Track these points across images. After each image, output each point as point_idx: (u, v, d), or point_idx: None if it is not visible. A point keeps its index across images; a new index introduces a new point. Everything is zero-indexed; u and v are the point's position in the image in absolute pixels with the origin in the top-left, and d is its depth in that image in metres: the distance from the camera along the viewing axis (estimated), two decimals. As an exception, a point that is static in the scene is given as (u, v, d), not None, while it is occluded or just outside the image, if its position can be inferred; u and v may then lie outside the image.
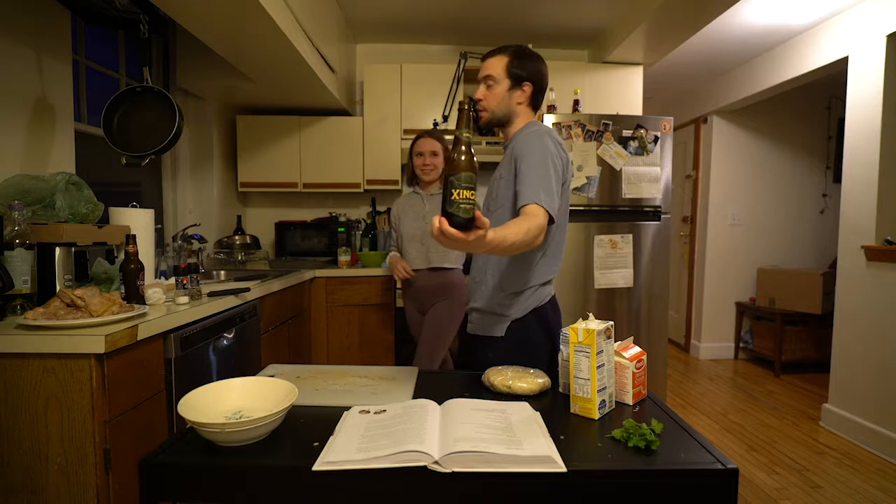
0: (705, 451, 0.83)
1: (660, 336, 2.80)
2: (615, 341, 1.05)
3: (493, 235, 1.02)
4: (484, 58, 1.41)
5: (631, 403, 1.04)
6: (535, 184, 1.23)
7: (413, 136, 3.18)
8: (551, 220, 1.22)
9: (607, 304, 2.70)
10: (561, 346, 1.06)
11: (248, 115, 3.23)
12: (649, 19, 2.58)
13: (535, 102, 1.41)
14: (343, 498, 0.77)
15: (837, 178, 3.77)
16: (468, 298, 1.48)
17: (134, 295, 1.46)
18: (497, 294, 1.37)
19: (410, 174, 2.34)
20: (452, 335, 2.31)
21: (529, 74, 1.36)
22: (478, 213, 0.93)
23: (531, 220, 1.15)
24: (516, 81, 1.36)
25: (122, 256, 1.69)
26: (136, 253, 1.48)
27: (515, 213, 1.28)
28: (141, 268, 1.49)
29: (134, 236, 1.49)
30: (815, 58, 3.09)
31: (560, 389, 1.10)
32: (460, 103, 1.01)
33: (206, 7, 1.72)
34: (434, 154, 2.25)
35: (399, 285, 2.35)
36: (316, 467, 0.76)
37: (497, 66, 1.36)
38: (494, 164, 3.31)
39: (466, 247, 0.97)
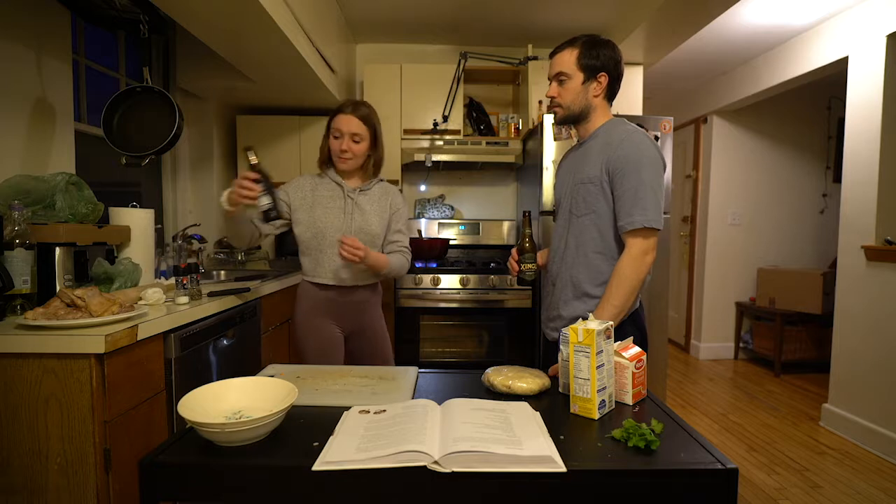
0: (705, 451, 0.83)
1: (660, 336, 2.80)
2: (615, 341, 1.05)
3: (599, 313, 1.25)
4: (552, 53, 1.37)
5: (631, 403, 1.04)
6: (644, 204, 1.23)
7: (413, 136, 3.21)
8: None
9: (607, 304, 2.70)
10: (561, 346, 1.06)
11: (248, 115, 3.23)
12: (649, 19, 2.57)
13: (612, 93, 1.36)
14: (343, 498, 0.77)
15: (837, 178, 3.77)
16: (551, 305, 1.44)
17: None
18: (590, 302, 1.33)
19: (325, 155, 1.74)
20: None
21: (603, 64, 1.30)
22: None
23: (623, 265, 1.25)
24: (591, 73, 1.30)
25: (122, 256, 1.69)
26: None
27: (606, 224, 1.31)
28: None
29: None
30: (815, 58, 3.09)
31: (560, 389, 1.10)
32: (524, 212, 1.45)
33: (206, 7, 1.72)
34: (356, 140, 1.66)
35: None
36: (316, 467, 0.76)
37: (568, 60, 1.31)
38: (495, 164, 3.35)
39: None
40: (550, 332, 1.44)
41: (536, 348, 2.86)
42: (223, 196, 1.55)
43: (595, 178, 1.30)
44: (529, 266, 1.41)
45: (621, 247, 1.30)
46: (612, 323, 1.02)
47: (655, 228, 1.24)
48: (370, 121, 1.70)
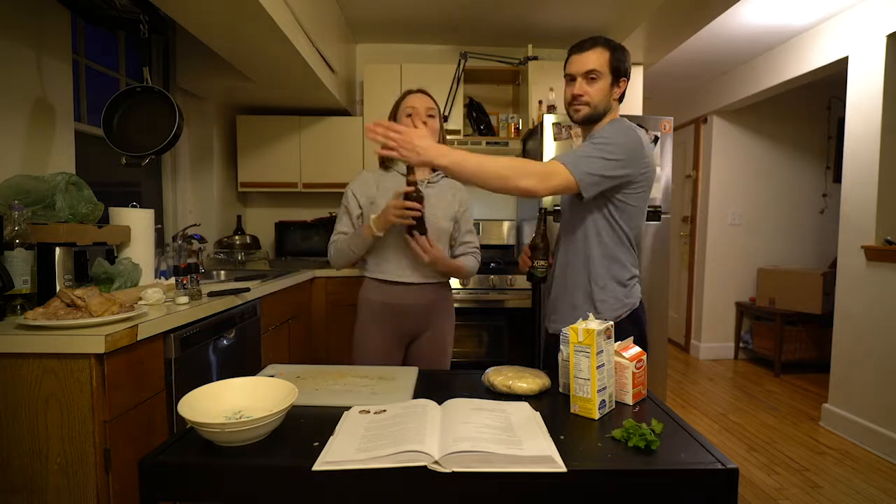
0: (705, 451, 0.83)
1: (660, 336, 2.80)
2: (615, 341, 1.05)
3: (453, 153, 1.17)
4: (574, 52, 1.36)
5: (631, 403, 1.04)
6: (576, 152, 1.24)
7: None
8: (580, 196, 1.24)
9: (607, 304, 2.70)
10: (561, 346, 1.06)
11: (248, 115, 3.23)
12: (649, 19, 2.57)
13: (623, 97, 1.39)
14: (343, 498, 0.77)
15: (837, 178, 3.76)
16: (553, 296, 1.45)
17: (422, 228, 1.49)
18: (588, 296, 1.34)
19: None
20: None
21: (625, 69, 1.33)
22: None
23: (524, 160, 1.22)
24: (616, 76, 1.32)
25: (122, 256, 1.69)
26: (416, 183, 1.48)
27: (605, 206, 1.30)
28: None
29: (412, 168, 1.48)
30: (815, 58, 3.09)
31: (560, 389, 1.10)
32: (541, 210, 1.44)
33: (206, 7, 1.72)
34: (431, 114, 1.60)
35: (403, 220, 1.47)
36: (316, 467, 0.76)
37: (600, 60, 1.31)
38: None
39: None
40: (552, 324, 1.45)
41: (536, 348, 2.86)
42: (371, 221, 1.53)
43: None
44: (541, 263, 1.42)
45: (623, 244, 1.33)
46: (611, 323, 1.02)
47: (564, 164, 1.20)
48: (437, 103, 1.65)
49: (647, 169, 1.29)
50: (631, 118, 2.68)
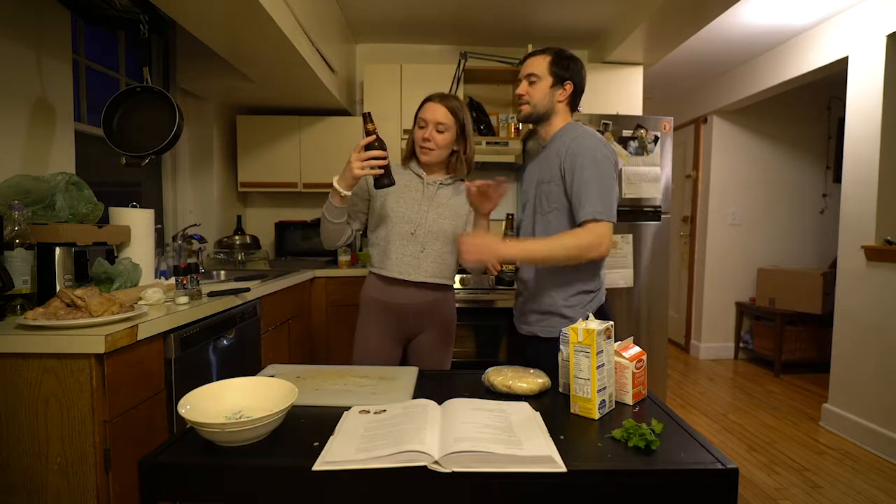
0: (705, 450, 0.83)
1: (660, 336, 2.80)
2: (615, 341, 1.05)
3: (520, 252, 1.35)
4: (525, 58, 1.50)
5: (631, 403, 1.04)
6: (591, 198, 1.31)
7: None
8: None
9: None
10: (561, 346, 1.06)
11: (248, 115, 3.23)
12: (649, 19, 2.57)
13: (573, 103, 1.47)
14: (343, 498, 0.77)
15: (837, 178, 3.76)
16: (523, 298, 1.52)
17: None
18: (559, 295, 1.41)
19: (409, 148, 1.66)
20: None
21: (571, 75, 1.43)
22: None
23: (578, 236, 1.31)
24: (558, 80, 1.43)
25: (122, 256, 1.69)
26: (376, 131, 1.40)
27: (571, 218, 1.37)
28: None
29: (369, 114, 1.42)
30: (815, 58, 3.09)
31: (560, 389, 1.10)
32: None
33: (206, 7, 1.72)
34: (440, 129, 1.55)
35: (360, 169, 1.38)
36: (316, 467, 0.76)
37: (540, 64, 1.43)
38: (495, 164, 3.35)
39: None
40: (523, 325, 1.50)
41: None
42: (335, 181, 1.43)
43: (555, 178, 1.40)
44: (508, 267, 1.53)
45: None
46: (611, 323, 1.02)
47: (604, 220, 1.31)
48: (458, 113, 1.58)
49: (616, 158, 1.41)
50: (631, 118, 2.70)
